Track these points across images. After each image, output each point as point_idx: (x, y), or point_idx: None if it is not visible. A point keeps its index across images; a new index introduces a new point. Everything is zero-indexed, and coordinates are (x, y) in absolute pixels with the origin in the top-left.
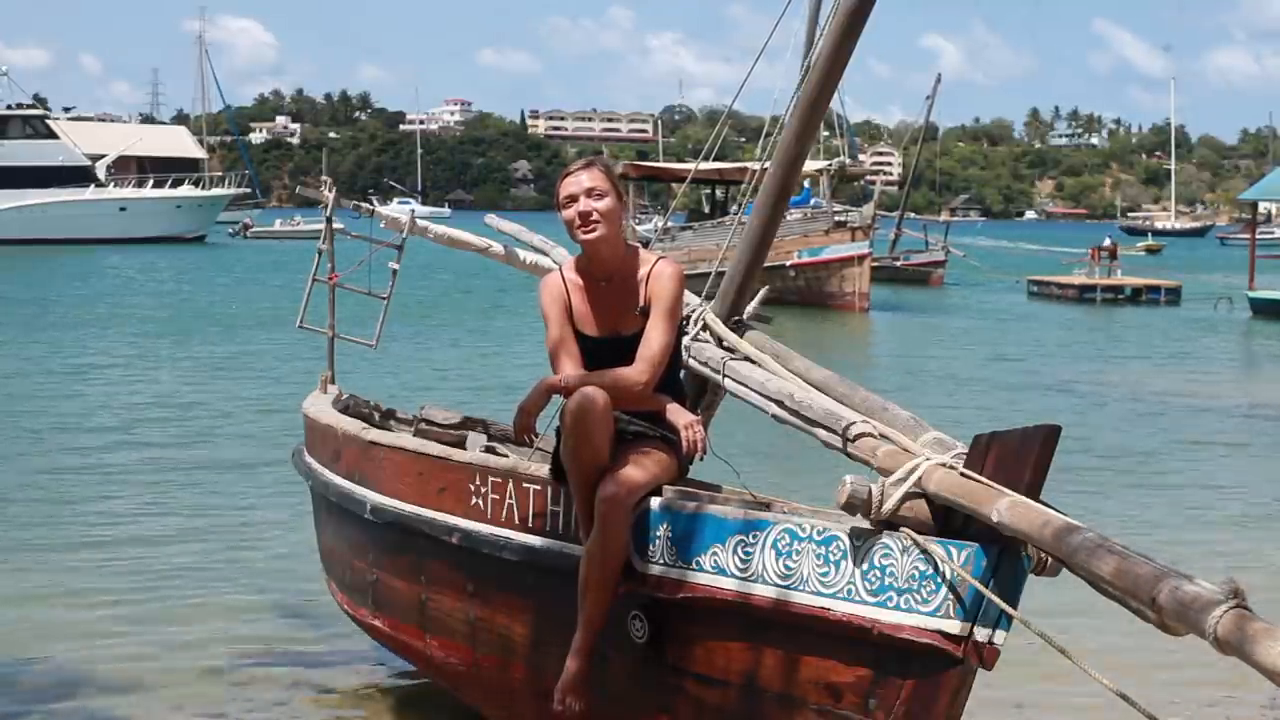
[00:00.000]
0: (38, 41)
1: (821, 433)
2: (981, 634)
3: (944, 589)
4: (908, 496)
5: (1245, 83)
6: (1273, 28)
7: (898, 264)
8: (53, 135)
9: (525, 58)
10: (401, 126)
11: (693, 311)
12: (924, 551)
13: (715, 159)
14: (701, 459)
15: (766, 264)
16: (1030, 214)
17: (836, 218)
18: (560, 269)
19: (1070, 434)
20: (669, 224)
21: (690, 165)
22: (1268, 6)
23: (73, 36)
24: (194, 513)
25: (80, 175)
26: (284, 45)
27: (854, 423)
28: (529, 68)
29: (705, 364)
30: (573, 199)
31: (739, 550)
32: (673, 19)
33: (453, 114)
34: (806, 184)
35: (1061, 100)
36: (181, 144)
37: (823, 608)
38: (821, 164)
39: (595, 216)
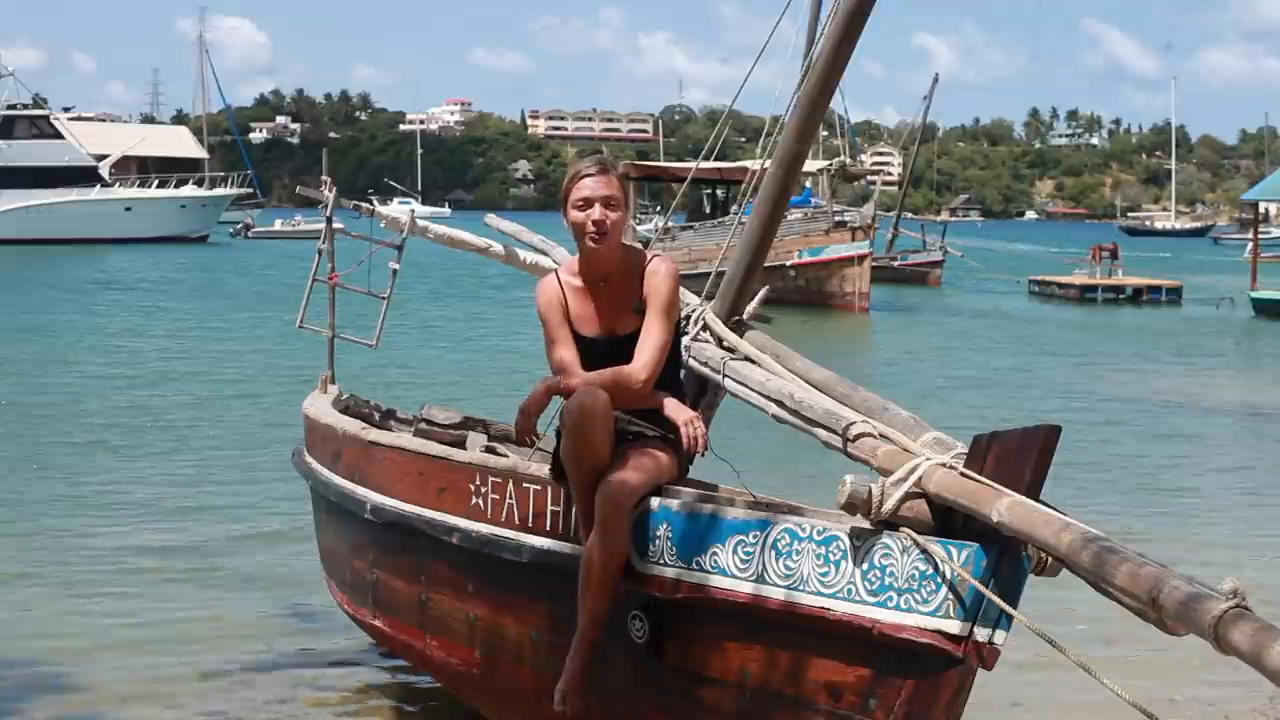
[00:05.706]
0: (30, 41)
1: (821, 433)
2: (981, 634)
3: (944, 589)
4: (908, 496)
5: (1240, 83)
6: (1264, 28)
7: (895, 264)
8: (58, 135)
9: (520, 57)
10: (401, 126)
11: (693, 311)
12: (924, 551)
13: (716, 159)
14: (702, 455)
15: (766, 264)
16: (1030, 214)
17: (836, 218)
18: (556, 271)
19: (1071, 434)
20: (669, 224)
21: (690, 165)
22: (1258, 7)
23: (66, 36)
24: (193, 513)
25: (86, 175)
26: (278, 45)
27: (854, 423)
28: (524, 67)
29: (705, 364)
30: (589, 203)
31: (739, 550)
32: (663, 19)
33: (453, 114)
34: (807, 184)
35: (1060, 100)
36: (183, 144)
37: (823, 607)
38: (821, 164)
39: (608, 227)
